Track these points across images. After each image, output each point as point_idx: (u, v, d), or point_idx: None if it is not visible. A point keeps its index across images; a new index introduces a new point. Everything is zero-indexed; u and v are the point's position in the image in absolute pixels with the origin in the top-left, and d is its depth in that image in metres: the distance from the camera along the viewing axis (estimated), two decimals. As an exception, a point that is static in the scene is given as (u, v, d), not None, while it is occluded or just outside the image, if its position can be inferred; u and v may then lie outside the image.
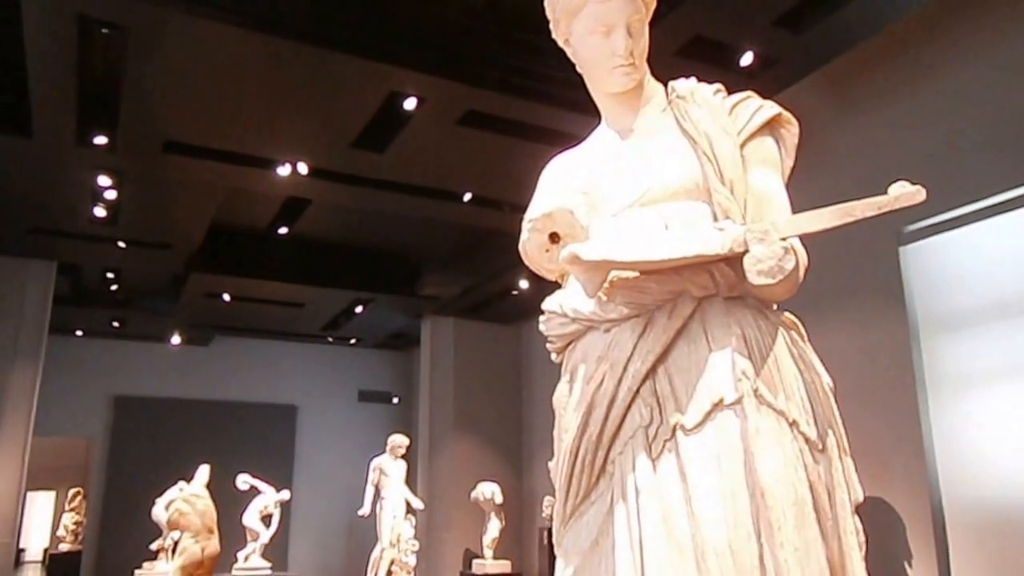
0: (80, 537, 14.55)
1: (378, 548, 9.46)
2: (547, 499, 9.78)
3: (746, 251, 1.66)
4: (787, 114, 1.97)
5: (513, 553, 10.54)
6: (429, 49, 5.70)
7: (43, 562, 17.21)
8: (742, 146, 1.90)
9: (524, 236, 1.87)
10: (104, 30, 5.28)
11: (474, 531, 10.46)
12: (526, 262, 1.94)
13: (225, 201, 8.46)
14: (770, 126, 1.95)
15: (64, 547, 15.52)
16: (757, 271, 1.64)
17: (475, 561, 10.29)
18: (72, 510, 15.76)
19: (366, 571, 9.54)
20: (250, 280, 10.57)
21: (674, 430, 1.70)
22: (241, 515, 10.08)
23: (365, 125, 6.47)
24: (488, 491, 10.11)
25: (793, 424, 1.70)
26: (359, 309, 11.85)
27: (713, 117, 1.92)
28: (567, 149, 2.20)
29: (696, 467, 1.65)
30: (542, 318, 1.99)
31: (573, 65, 2.10)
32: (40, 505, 18.55)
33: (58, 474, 16.06)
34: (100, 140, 6.65)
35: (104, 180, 7.46)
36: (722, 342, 1.73)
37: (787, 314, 1.89)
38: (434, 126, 6.44)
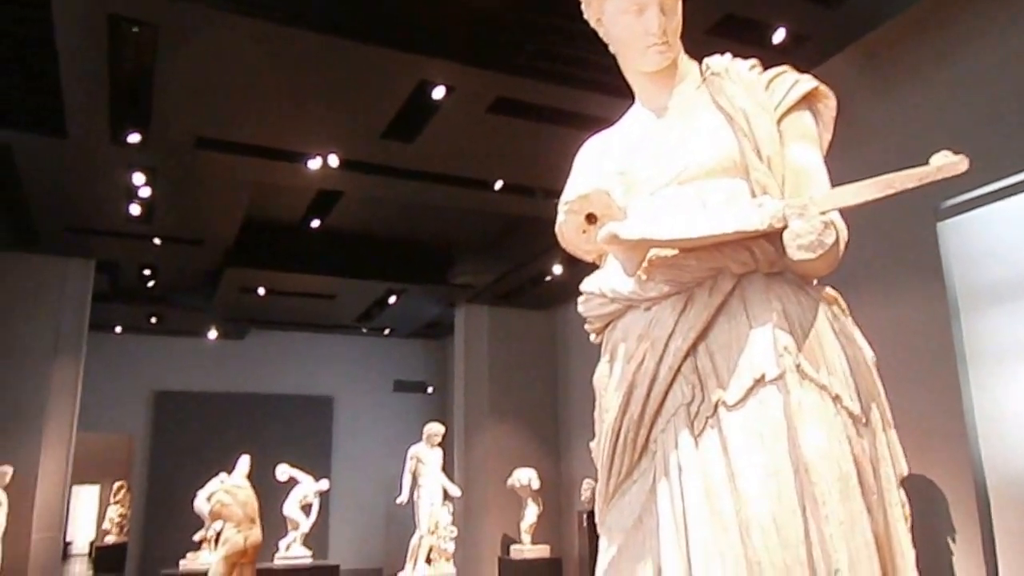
0: (125, 529, 14.90)
1: (416, 535, 9.57)
2: (586, 482, 9.81)
3: (785, 226, 1.66)
4: (824, 87, 1.96)
5: (552, 537, 10.60)
6: (457, 37, 5.71)
7: (90, 555, 17.62)
8: (779, 121, 1.89)
9: (560, 218, 1.88)
10: (134, 28, 5.37)
11: (512, 517, 10.54)
12: (563, 244, 1.96)
13: (257, 195, 8.55)
14: (807, 100, 1.94)
15: (110, 539, 15.91)
16: (797, 246, 1.64)
17: (513, 547, 10.36)
18: (117, 503, 16.13)
19: (405, 558, 9.66)
20: (284, 273, 10.71)
21: (716, 407, 1.70)
22: (281, 505, 10.25)
23: (394, 115, 6.51)
24: (525, 477, 10.16)
25: (836, 399, 1.70)
26: (392, 299, 11.93)
27: (749, 93, 1.91)
28: (600, 131, 2.20)
29: (739, 443, 1.65)
30: (581, 299, 2.00)
31: (604, 46, 2.10)
32: (86, 499, 18.97)
33: (102, 468, 16.41)
34: (133, 138, 6.75)
35: (138, 178, 7.59)
36: (763, 318, 1.74)
37: (828, 289, 1.89)
38: (464, 114, 6.46)
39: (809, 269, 1.77)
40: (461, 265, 11.15)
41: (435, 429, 10.01)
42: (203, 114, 6.56)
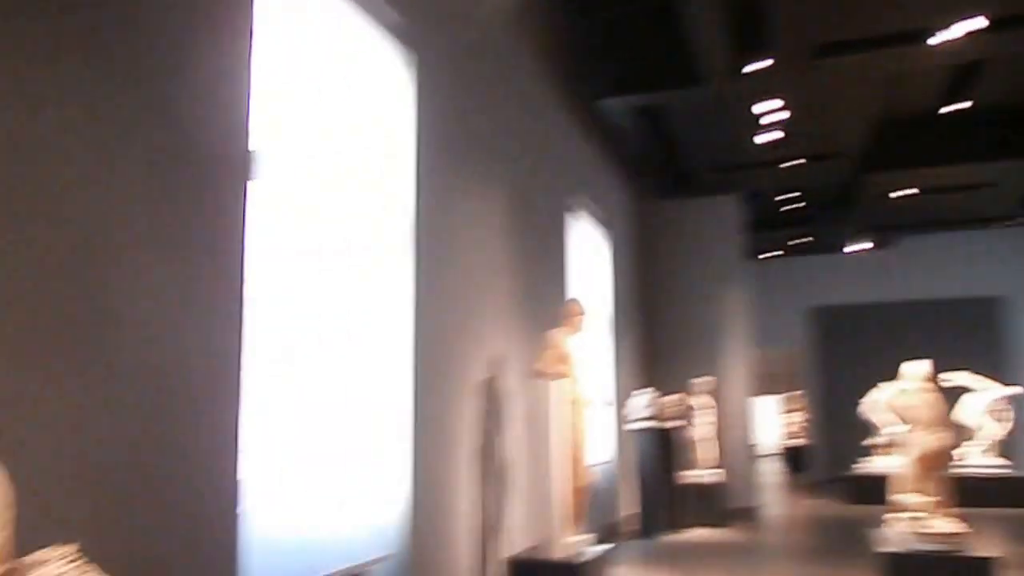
0: (805, 432, 15.54)
1: None
2: None
3: None
4: None
5: None
6: None
7: (775, 454, 18.69)
8: None
9: None
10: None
11: None
12: None
13: (885, 91, 7.77)
14: None
15: (793, 442, 16.79)
16: None
17: None
18: (795, 410, 16.91)
19: None
20: (926, 169, 9.63)
21: None
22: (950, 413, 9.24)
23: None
24: None
25: None
26: (1065, 175, 9.73)
27: None
28: None
29: None
30: None
31: None
32: (766, 407, 20.27)
33: (776, 380, 17.22)
34: (756, 66, 6.70)
35: (766, 105, 7.56)
36: None
37: None
38: None
39: None
40: None
41: None
42: (822, 19, 6.15)
